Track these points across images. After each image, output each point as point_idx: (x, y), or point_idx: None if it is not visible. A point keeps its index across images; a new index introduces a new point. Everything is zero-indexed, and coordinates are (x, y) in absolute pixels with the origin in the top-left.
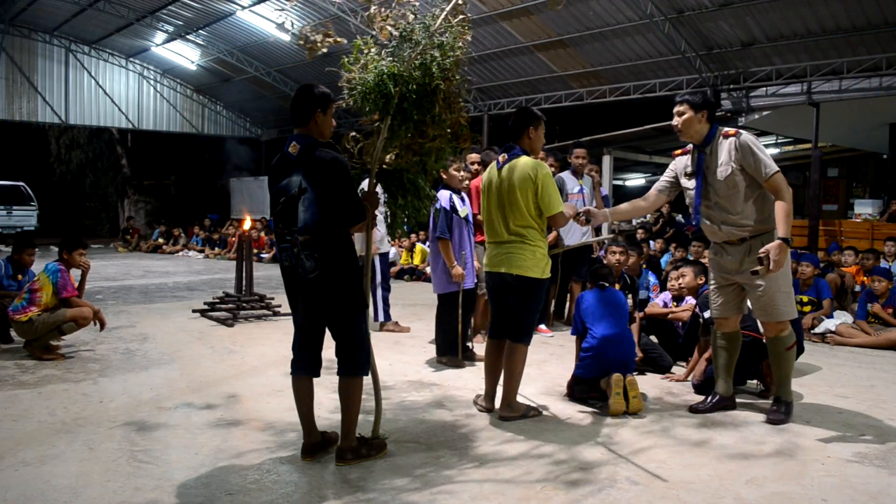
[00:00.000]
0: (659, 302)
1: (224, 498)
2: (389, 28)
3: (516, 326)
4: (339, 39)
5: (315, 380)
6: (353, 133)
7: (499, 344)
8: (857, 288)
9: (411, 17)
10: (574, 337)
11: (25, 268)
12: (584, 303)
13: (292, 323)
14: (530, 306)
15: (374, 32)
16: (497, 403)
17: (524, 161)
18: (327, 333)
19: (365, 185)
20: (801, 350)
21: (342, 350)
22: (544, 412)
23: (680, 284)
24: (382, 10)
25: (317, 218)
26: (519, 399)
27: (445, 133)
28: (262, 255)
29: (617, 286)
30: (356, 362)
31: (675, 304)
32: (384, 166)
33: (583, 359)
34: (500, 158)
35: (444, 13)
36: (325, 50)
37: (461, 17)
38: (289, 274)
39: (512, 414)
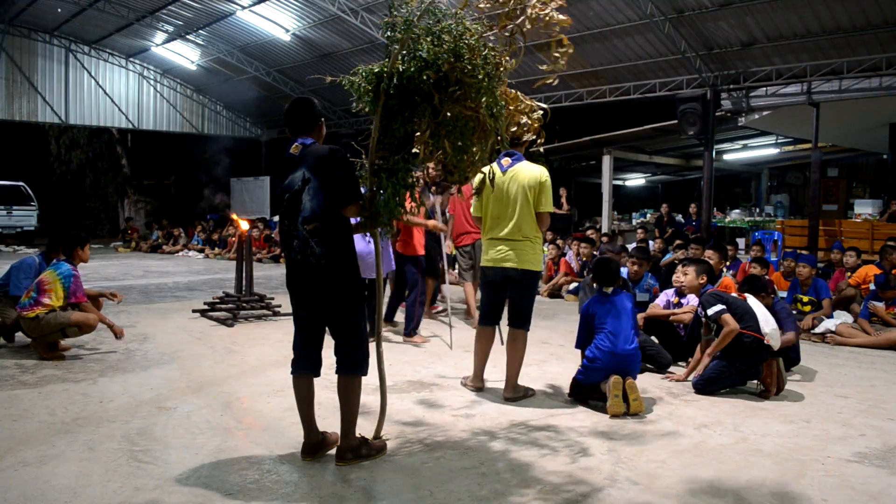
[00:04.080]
0: (661, 302)
1: (224, 498)
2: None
3: (518, 315)
4: None
5: (316, 379)
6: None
7: (489, 331)
8: (872, 286)
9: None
10: (576, 348)
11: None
12: (591, 314)
13: (293, 322)
14: (530, 296)
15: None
16: (487, 384)
17: (530, 166)
18: (327, 333)
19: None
20: (796, 361)
21: (341, 348)
22: (542, 416)
23: (681, 283)
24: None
25: (323, 205)
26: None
27: (452, 130)
28: (260, 257)
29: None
30: (355, 361)
31: (676, 299)
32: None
33: (585, 367)
34: (504, 162)
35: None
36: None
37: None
38: (295, 266)
39: (516, 395)
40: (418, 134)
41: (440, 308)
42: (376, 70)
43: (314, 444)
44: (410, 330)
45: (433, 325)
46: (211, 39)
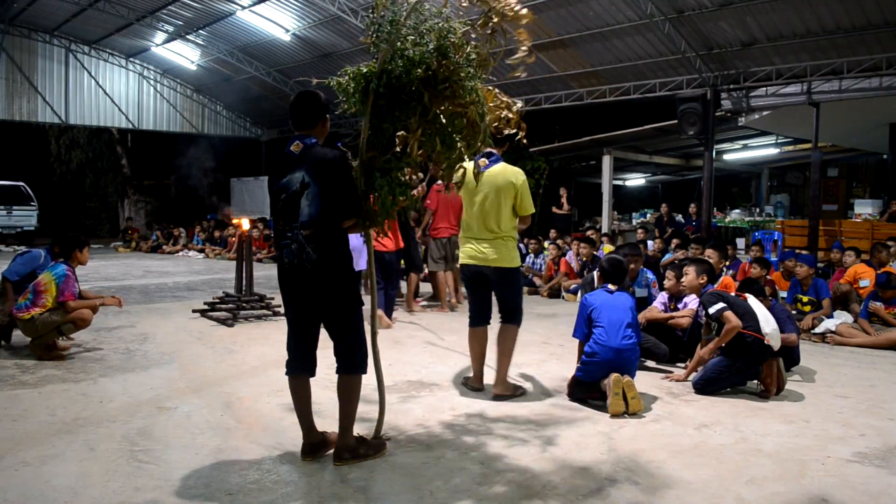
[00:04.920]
0: (658, 305)
1: (224, 498)
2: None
3: (508, 311)
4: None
5: (316, 380)
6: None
7: (479, 331)
8: (864, 283)
9: (382, 9)
10: (574, 337)
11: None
12: (591, 306)
13: (287, 323)
14: (515, 291)
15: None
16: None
17: (507, 168)
18: (322, 332)
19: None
20: (796, 361)
21: (341, 348)
22: (542, 416)
23: (681, 283)
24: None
25: (320, 211)
26: (519, 399)
27: (441, 127)
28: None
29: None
30: (355, 360)
31: (672, 304)
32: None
33: (585, 363)
34: (481, 163)
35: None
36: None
37: None
38: (288, 271)
39: (505, 392)
40: (407, 133)
41: (422, 302)
42: (364, 70)
43: (314, 444)
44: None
45: (427, 317)
46: (211, 39)
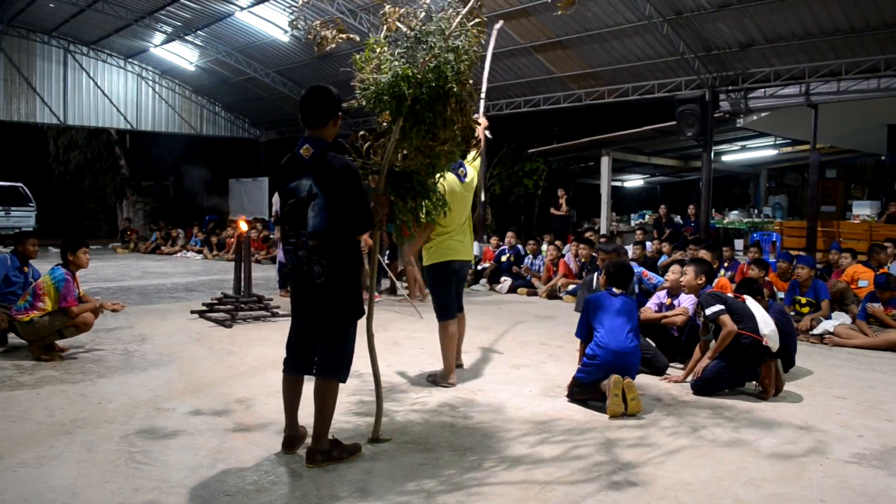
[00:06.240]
0: (652, 306)
1: (222, 499)
2: (399, 25)
3: (460, 300)
4: (351, 36)
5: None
6: (362, 132)
7: (460, 318)
8: (863, 283)
9: (422, 14)
10: (576, 337)
11: (29, 258)
12: (593, 308)
13: (291, 322)
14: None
15: (383, 32)
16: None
17: (472, 170)
18: None
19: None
20: (791, 364)
21: (324, 351)
22: (540, 418)
23: (680, 281)
24: (396, 7)
25: (326, 224)
26: (518, 400)
27: (456, 136)
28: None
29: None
30: (335, 365)
31: (669, 300)
32: (394, 168)
33: (586, 364)
34: (461, 172)
35: (460, 17)
36: (333, 46)
37: (476, 20)
38: (294, 275)
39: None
40: (433, 142)
41: (379, 299)
42: (408, 73)
43: (293, 437)
44: None
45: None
46: (209, 40)
